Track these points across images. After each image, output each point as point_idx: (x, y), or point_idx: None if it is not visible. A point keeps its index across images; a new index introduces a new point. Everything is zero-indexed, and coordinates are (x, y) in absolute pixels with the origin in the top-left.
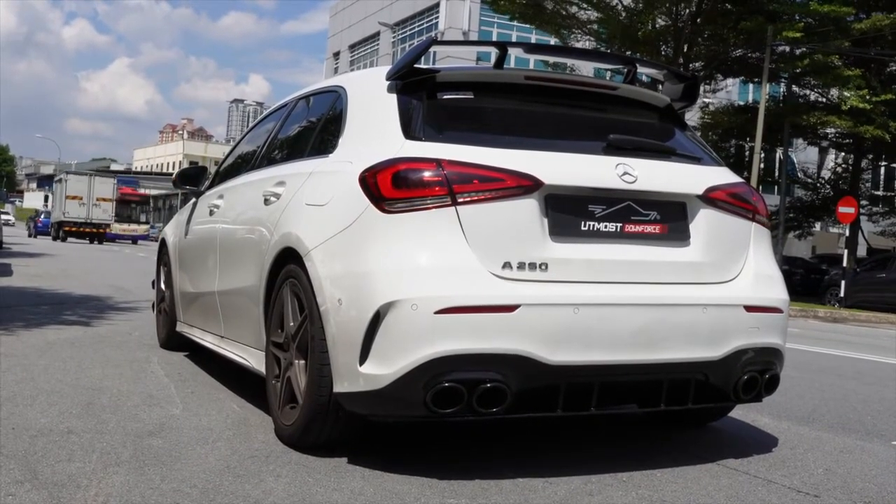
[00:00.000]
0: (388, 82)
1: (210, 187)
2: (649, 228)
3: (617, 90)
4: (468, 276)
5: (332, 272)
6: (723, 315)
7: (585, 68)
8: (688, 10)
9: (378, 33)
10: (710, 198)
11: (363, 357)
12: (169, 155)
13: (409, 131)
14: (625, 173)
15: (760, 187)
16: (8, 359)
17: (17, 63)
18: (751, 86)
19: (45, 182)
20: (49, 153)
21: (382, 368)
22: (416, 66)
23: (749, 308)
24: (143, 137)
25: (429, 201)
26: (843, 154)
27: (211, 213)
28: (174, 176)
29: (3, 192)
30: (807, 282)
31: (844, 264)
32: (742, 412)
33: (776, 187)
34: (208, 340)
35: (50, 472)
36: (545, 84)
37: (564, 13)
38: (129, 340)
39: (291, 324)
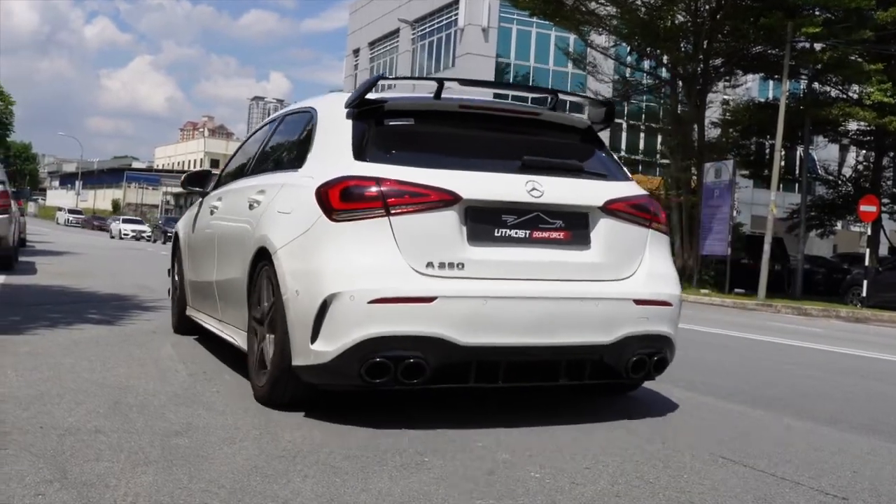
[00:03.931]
0: (346, 109)
1: (214, 189)
2: (554, 235)
3: (540, 115)
4: (396, 274)
5: (292, 268)
6: (614, 307)
7: (606, 64)
8: (708, 6)
9: (398, 30)
10: (610, 209)
11: (314, 337)
12: (190, 153)
13: (359, 153)
14: (533, 189)
15: (781, 185)
16: (34, 357)
17: (40, 62)
18: (771, 83)
19: (68, 180)
20: (71, 151)
21: (327, 346)
22: (367, 97)
23: (638, 301)
24: (164, 135)
25: (367, 213)
26: (864, 151)
27: (212, 212)
28: (182, 178)
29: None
30: (828, 281)
31: (866, 263)
32: (767, 413)
33: (797, 185)
34: (210, 324)
35: (79, 472)
36: (477, 111)
37: (584, 9)
38: (154, 339)
39: (265, 304)
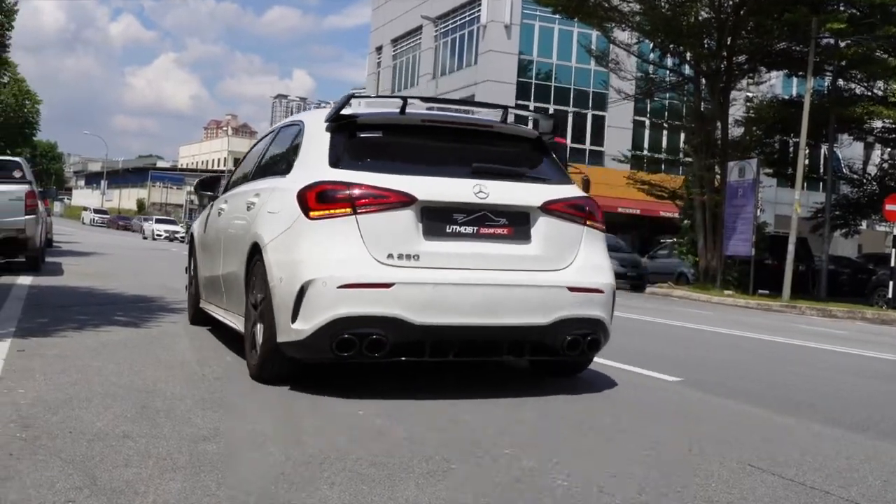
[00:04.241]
0: (325, 123)
1: (224, 192)
2: (499, 231)
3: (493, 127)
4: (361, 264)
5: (277, 259)
6: (550, 293)
7: (629, 62)
8: (731, 2)
9: (420, 27)
10: (549, 208)
11: (294, 317)
12: (214, 152)
13: (334, 161)
14: (479, 191)
15: (805, 184)
16: (63, 360)
17: (65, 60)
18: (795, 79)
19: (93, 180)
20: (97, 150)
21: (305, 325)
22: (342, 113)
23: (572, 289)
24: (188, 133)
25: (338, 212)
26: (889, 149)
27: (219, 214)
28: (195, 183)
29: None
30: (853, 282)
31: (892, 264)
32: (794, 419)
33: (821, 184)
34: (218, 313)
35: (108, 478)
36: (437, 125)
37: (607, 5)
38: (179, 342)
39: (259, 293)
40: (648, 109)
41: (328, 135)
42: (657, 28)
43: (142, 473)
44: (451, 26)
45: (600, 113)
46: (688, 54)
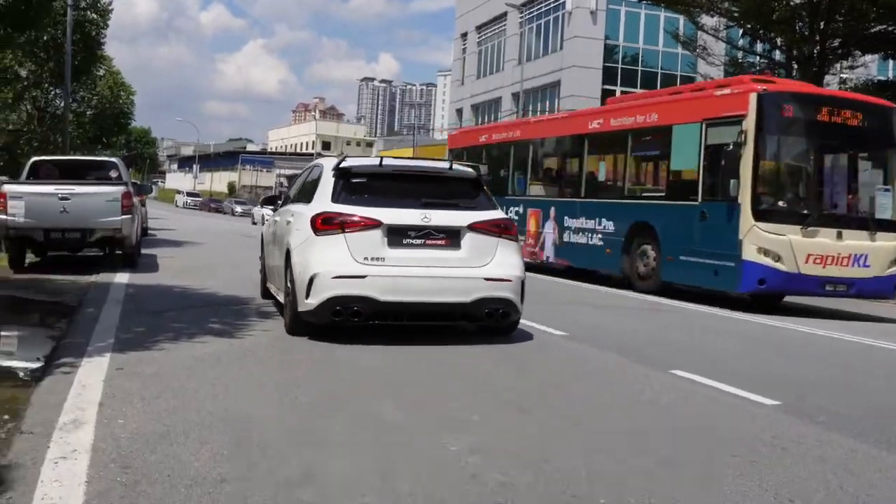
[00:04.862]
0: (332, 171)
1: (281, 206)
2: (439, 242)
3: (444, 172)
4: (346, 263)
5: (298, 259)
6: (472, 282)
7: (717, 47)
8: None
9: (505, 14)
10: (474, 227)
11: (307, 295)
12: (302, 135)
13: (334, 197)
14: (424, 217)
15: None
16: (159, 381)
17: (159, 49)
18: (891, 62)
19: (186, 164)
20: (189, 135)
21: (313, 300)
22: (341, 165)
23: (487, 279)
24: (277, 116)
25: (332, 231)
26: None
27: (275, 222)
28: (261, 200)
29: (148, 186)
30: None
31: None
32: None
33: None
34: (273, 291)
35: None
36: (403, 172)
37: None
38: (272, 355)
39: (289, 282)
40: None
41: (333, 179)
42: (747, 14)
43: None
44: (535, 13)
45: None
46: (778, 40)
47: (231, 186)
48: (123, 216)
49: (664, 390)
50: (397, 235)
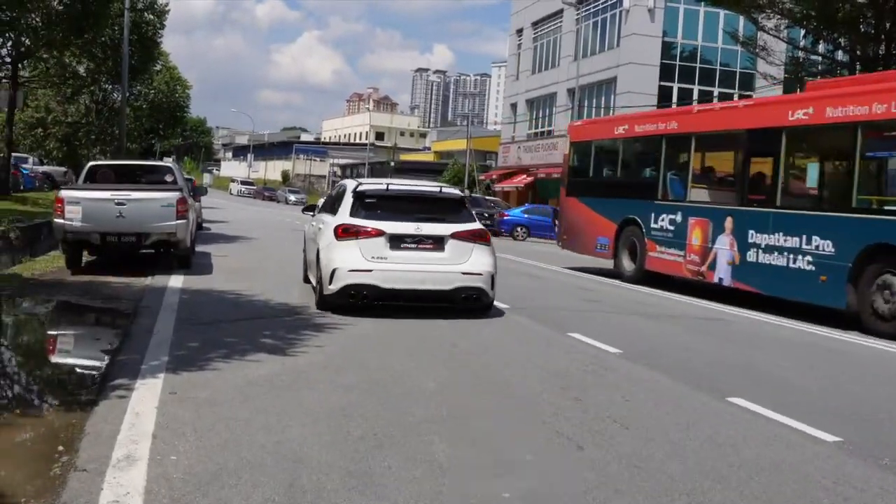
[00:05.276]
0: (351, 192)
1: (316, 214)
2: (428, 246)
3: (437, 193)
4: (358, 260)
5: (324, 256)
6: (452, 275)
7: (778, 46)
8: None
9: (561, 11)
10: (455, 235)
11: (329, 283)
12: (356, 126)
13: (352, 212)
14: (417, 228)
15: None
16: (212, 409)
17: (214, 40)
18: None
19: (240, 152)
20: (244, 124)
21: (333, 287)
22: (358, 189)
23: (464, 273)
24: (331, 105)
25: (349, 237)
26: None
27: (311, 226)
28: (303, 208)
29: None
30: None
31: None
32: None
33: None
34: (310, 277)
35: None
36: (406, 193)
37: None
38: (324, 378)
39: (318, 273)
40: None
41: (352, 198)
42: (810, 15)
43: None
44: (592, 10)
45: (747, 93)
46: (841, 40)
47: (285, 175)
48: (178, 221)
49: (723, 425)
50: (396, 241)
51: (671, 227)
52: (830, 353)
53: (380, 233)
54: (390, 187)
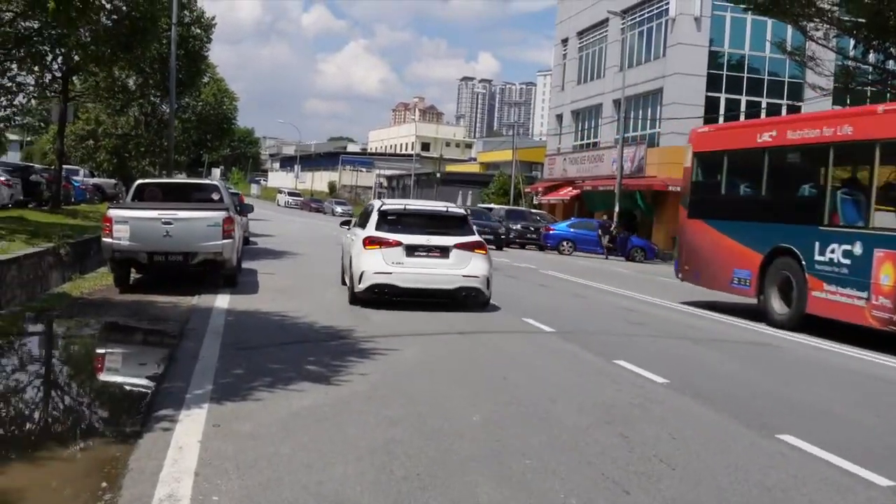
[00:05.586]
0: (377, 210)
1: (350, 228)
2: (437, 254)
3: (445, 211)
4: (381, 265)
5: (354, 262)
6: (455, 277)
7: (827, 56)
8: None
9: (606, 20)
10: (457, 245)
11: (358, 283)
12: (402, 136)
13: (377, 227)
14: (428, 239)
15: None
16: (255, 444)
17: (261, 50)
18: None
19: (287, 163)
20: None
21: (361, 286)
22: (382, 209)
23: (464, 276)
24: (377, 114)
25: (374, 247)
26: None
27: (346, 237)
28: (340, 222)
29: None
30: None
31: None
32: None
33: None
34: (346, 279)
35: None
36: (420, 212)
37: (804, 1)
38: (367, 410)
39: (349, 274)
40: (848, 104)
41: (377, 215)
42: (860, 24)
43: None
44: (637, 19)
45: (796, 104)
46: (893, 49)
47: (332, 186)
48: (224, 240)
49: (772, 466)
50: (411, 250)
51: (846, 261)
52: (888, 385)
53: (398, 243)
54: (407, 207)
